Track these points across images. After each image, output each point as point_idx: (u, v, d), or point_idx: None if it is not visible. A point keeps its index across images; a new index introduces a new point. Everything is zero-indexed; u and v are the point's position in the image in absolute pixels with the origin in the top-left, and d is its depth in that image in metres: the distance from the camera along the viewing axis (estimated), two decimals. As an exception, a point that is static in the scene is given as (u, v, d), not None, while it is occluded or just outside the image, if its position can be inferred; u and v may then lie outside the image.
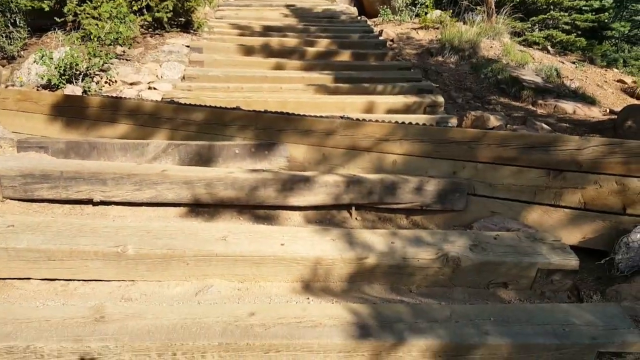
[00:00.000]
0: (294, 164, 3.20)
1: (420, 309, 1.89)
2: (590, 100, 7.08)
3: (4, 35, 6.11)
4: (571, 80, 7.73)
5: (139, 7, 6.80)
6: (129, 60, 6.13)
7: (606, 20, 10.90)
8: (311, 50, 7.03)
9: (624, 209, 2.55)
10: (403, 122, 3.04)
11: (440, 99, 5.25)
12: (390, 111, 5.14)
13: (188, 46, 6.87)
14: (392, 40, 9.66)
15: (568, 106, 6.60)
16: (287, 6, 10.79)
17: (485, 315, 1.85)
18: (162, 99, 5.18)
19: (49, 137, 3.62)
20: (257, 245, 2.13)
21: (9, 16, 6.15)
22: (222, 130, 3.45)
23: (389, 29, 10.37)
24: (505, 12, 10.16)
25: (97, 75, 5.43)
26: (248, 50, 6.91)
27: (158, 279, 2.12)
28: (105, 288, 2.08)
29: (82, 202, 2.76)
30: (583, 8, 10.82)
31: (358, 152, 3.05)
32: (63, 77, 5.16)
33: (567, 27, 10.81)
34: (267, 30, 8.14)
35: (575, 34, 10.48)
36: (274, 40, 7.36)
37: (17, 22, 6.29)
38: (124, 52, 6.25)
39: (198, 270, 2.11)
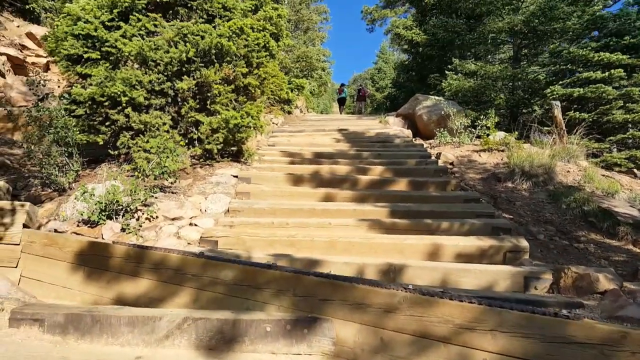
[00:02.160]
0: (342, 349, 2.39)
1: None
2: None
3: (57, 167, 6.10)
4: (674, 210, 6.58)
5: (189, 138, 6.76)
6: (175, 192, 5.84)
7: (697, 135, 9.84)
8: (364, 178, 6.50)
9: None
10: (498, 302, 2.17)
11: (524, 242, 4.34)
12: (460, 257, 4.28)
13: (236, 176, 6.58)
14: (451, 164, 9.08)
15: (681, 245, 5.44)
16: (340, 130, 10.72)
17: None
18: (201, 237, 4.70)
19: (52, 304, 3.11)
20: None
21: (64, 149, 6.20)
22: (255, 295, 2.75)
23: (447, 151, 9.87)
24: (579, 132, 9.39)
25: (139, 210, 5.10)
26: (297, 180, 6.50)
27: None
28: None
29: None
30: (667, 124, 9.88)
31: (431, 342, 2.20)
32: (103, 214, 4.85)
33: (651, 146, 9.81)
34: (318, 157, 7.83)
35: (664, 154, 9.43)
36: (325, 168, 6.96)
37: (73, 155, 6.32)
38: (172, 183, 6.01)
39: None
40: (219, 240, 4.58)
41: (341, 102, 23.53)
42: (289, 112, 14.90)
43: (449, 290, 2.97)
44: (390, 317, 2.31)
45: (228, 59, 6.68)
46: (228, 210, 5.55)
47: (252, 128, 6.89)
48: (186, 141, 6.84)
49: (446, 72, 15.07)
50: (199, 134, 6.49)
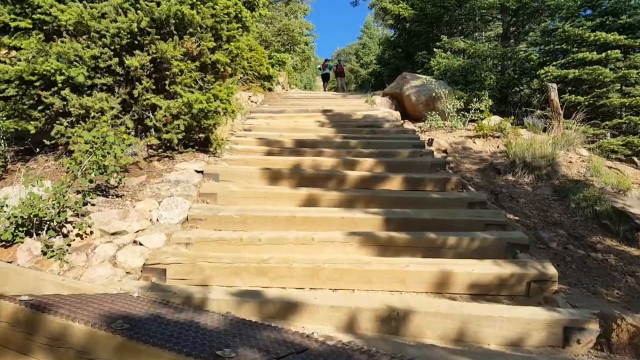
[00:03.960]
0: None
1: None
2: None
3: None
4: (693, 211, 5.85)
5: (145, 125, 5.69)
6: (121, 195, 4.80)
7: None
8: (352, 175, 5.56)
9: None
10: None
11: (551, 269, 3.48)
12: (475, 287, 3.42)
13: (201, 171, 5.55)
14: (445, 151, 8.22)
15: None
16: (324, 112, 9.73)
17: None
18: (144, 265, 3.70)
19: None
20: None
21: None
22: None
23: (439, 137, 8.99)
24: (577, 117, 8.57)
25: (68, 223, 4.04)
26: (274, 176, 5.52)
27: None
28: None
29: None
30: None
31: None
32: (21, 229, 3.80)
33: (648, 132, 9.12)
34: (300, 146, 6.85)
35: (662, 140, 8.74)
36: (307, 161, 5.99)
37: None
38: (118, 182, 4.94)
39: None
40: (168, 269, 3.60)
41: (325, 78, 22.38)
42: (270, 89, 13.74)
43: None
44: None
45: (191, 30, 5.56)
46: (187, 219, 4.56)
47: (221, 114, 5.83)
48: (141, 128, 5.77)
49: (434, 49, 14.08)
50: (155, 121, 5.40)
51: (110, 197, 4.76)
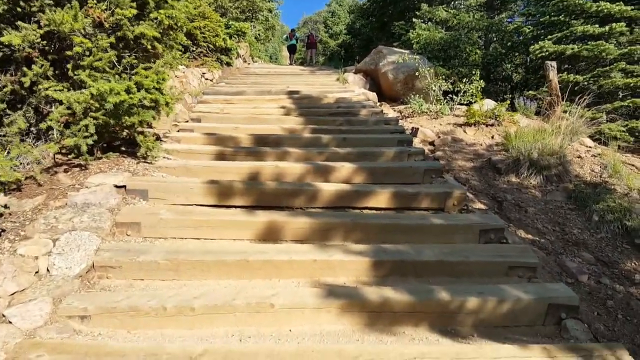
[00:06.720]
0: None
1: None
2: None
3: None
4: None
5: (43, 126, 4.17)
6: (1, 231, 3.35)
7: None
8: (326, 189, 4.23)
9: None
10: None
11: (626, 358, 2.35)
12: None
13: (124, 186, 4.12)
14: (432, 143, 7.03)
15: None
16: (290, 94, 8.31)
17: None
18: (6, 361, 2.36)
19: None
20: None
21: None
22: None
23: (424, 124, 7.80)
24: (582, 101, 7.42)
25: None
26: (223, 192, 4.15)
27: None
28: None
29: None
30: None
31: None
32: None
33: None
34: (259, 144, 5.47)
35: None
36: (268, 169, 4.62)
37: None
38: (4, 207, 3.50)
39: None
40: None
41: (292, 49, 20.67)
42: (228, 64, 12.09)
43: None
44: None
45: (101, -7, 4.03)
46: (93, 267, 3.18)
47: (149, 107, 4.38)
48: (46, 127, 4.25)
49: (414, 19, 12.70)
50: (50, 121, 3.89)
51: (-19, 234, 3.32)
